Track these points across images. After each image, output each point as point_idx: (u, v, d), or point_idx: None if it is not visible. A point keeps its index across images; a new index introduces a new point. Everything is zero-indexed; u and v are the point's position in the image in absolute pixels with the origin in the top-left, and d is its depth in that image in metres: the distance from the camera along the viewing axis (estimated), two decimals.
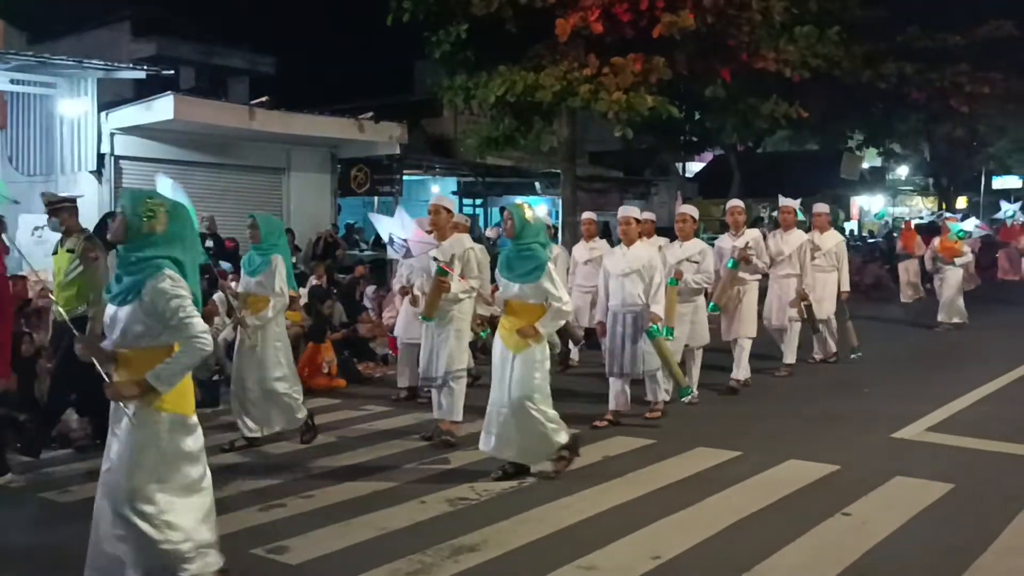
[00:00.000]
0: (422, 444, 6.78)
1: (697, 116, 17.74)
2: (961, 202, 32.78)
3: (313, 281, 11.52)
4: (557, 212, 18.64)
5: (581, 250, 10.17)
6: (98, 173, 12.52)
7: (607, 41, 12.98)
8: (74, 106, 12.49)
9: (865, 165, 29.00)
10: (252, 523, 4.97)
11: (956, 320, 13.34)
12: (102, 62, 12.49)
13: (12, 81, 12.24)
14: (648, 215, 9.26)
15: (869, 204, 31.41)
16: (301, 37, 26.66)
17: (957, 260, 13.53)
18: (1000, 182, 33.10)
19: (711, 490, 5.55)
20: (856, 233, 26.18)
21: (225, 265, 11.22)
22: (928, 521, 5.04)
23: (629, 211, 7.55)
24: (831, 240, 10.33)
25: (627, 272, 7.20)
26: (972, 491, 5.54)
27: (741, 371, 8.76)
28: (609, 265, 7.43)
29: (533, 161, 19.57)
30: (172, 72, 13.49)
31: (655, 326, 7.07)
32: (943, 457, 6.40)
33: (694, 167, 28.05)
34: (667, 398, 7.67)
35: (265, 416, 6.71)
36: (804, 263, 9.46)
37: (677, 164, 25.54)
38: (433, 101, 18.36)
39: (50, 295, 6.56)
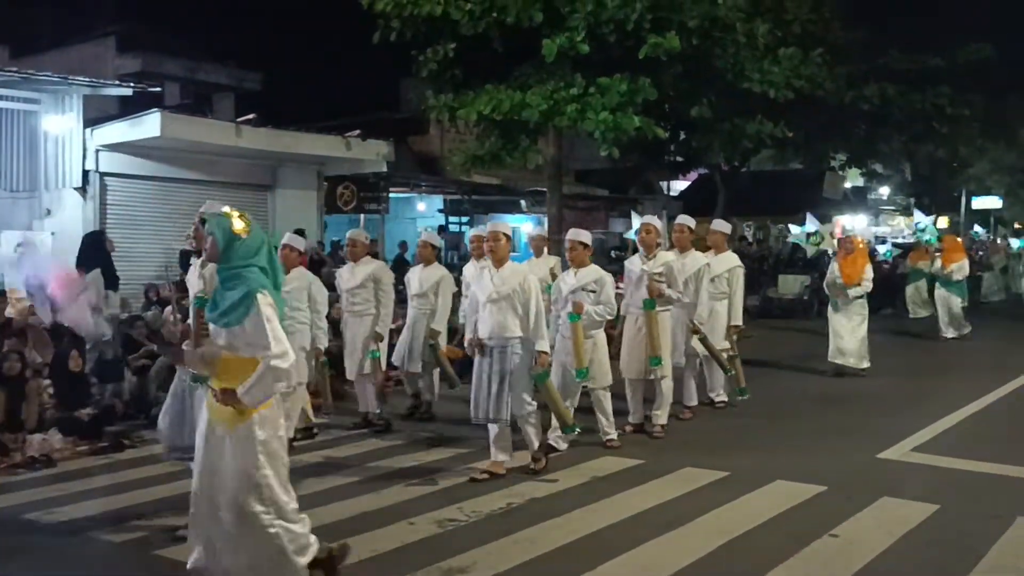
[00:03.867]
0: (409, 464, 6.76)
1: (683, 136, 17.86)
2: (942, 222, 33.11)
3: None
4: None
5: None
6: (83, 190, 12.45)
7: (594, 61, 13.08)
8: (59, 122, 12.43)
9: (848, 185, 29.27)
10: None
11: (960, 332, 13.62)
12: (88, 79, 12.46)
13: None
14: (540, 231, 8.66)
15: (852, 223, 31.69)
16: (287, 54, 26.75)
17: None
18: (979, 202, 33.48)
19: (700, 510, 5.56)
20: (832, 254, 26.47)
21: None
22: (915, 541, 5.07)
23: (499, 226, 6.61)
24: (725, 263, 8.98)
25: (495, 298, 6.26)
26: (958, 511, 5.57)
27: (662, 415, 7.67)
28: (476, 289, 6.50)
29: (519, 179, 19.64)
30: (159, 89, 13.45)
31: (544, 371, 6.27)
32: (928, 477, 6.45)
33: (679, 186, 28.22)
34: (614, 435, 7.21)
35: None
36: (699, 290, 8.21)
37: (662, 183, 25.69)
38: (419, 119, 18.47)
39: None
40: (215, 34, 23.98)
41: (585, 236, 7.20)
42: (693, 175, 26.55)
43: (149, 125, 12.14)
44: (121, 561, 4.82)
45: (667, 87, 13.57)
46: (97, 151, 12.57)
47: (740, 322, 8.92)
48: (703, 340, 8.31)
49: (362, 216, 17.89)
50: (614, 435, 7.21)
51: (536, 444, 6.45)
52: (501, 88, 13.42)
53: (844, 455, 7.05)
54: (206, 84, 22.51)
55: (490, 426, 6.35)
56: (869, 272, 10.82)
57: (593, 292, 6.91)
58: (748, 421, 8.41)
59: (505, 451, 6.39)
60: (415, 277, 8.56)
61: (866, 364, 10.82)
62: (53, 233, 11.72)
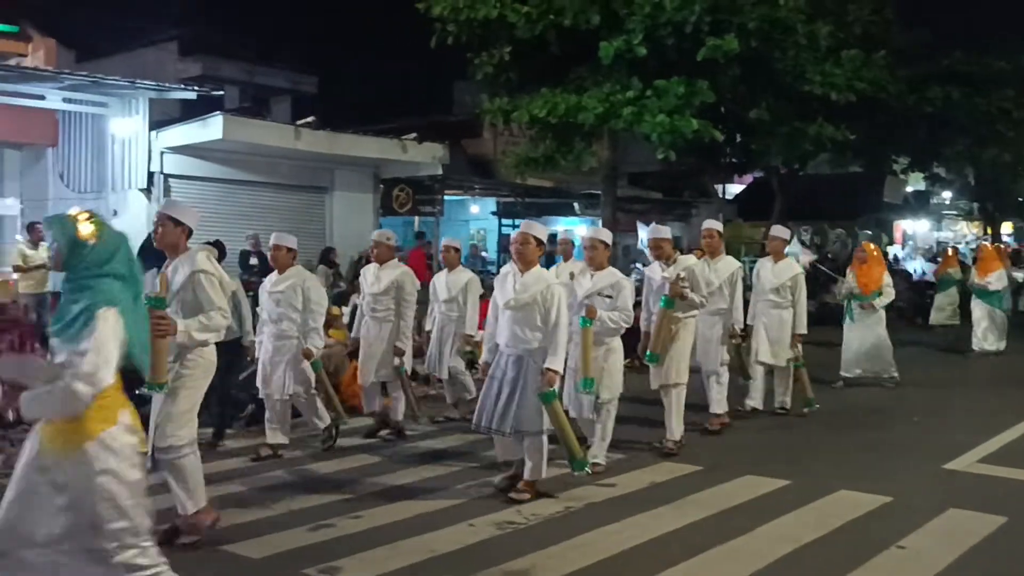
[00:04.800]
0: (468, 465, 6.77)
1: (739, 138, 17.67)
2: (1006, 227, 32.22)
3: (356, 300, 11.59)
4: None
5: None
6: (147, 191, 12.75)
7: (650, 63, 13.00)
8: (126, 125, 12.75)
9: (909, 189, 28.66)
10: (303, 543, 5.00)
11: (998, 346, 13.18)
12: (154, 82, 12.76)
13: (65, 100, 12.55)
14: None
15: (913, 228, 31.04)
16: (342, 57, 27.05)
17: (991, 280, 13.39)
18: None
19: (762, 519, 5.47)
20: (899, 258, 25.86)
21: None
22: (983, 554, 4.95)
23: (532, 227, 6.05)
24: (787, 271, 8.79)
25: (513, 305, 5.83)
26: None
27: (675, 428, 7.21)
28: (498, 293, 6.07)
29: (573, 182, 19.59)
30: (222, 92, 13.72)
31: (551, 390, 5.67)
32: (996, 489, 6.29)
33: (734, 189, 27.91)
34: (602, 459, 6.56)
35: None
36: (734, 295, 8.05)
37: (717, 186, 25.45)
38: (473, 121, 18.53)
39: None
40: (273, 38, 24.31)
41: (606, 235, 6.84)
42: (749, 178, 26.25)
43: (211, 128, 12.39)
44: (185, 555, 4.89)
45: (725, 89, 13.44)
46: (161, 153, 12.86)
47: (805, 330, 8.75)
48: (737, 348, 8.21)
49: (416, 218, 18.02)
50: (602, 460, 6.54)
51: (532, 471, 5.82)
52: (557, 91, 13.42)
53: (909, 465, 6.91)
54: (264, 87, 22.91)
55: (495, 439, 5.99)
56: (887, 279, 10.50)
57: (609, 297, 6.49)
58: (807, 430, 8.29)
59: (514, 458, 6.00)
60: (441, 282, 8.50)
61: (895, 373, 10.46)
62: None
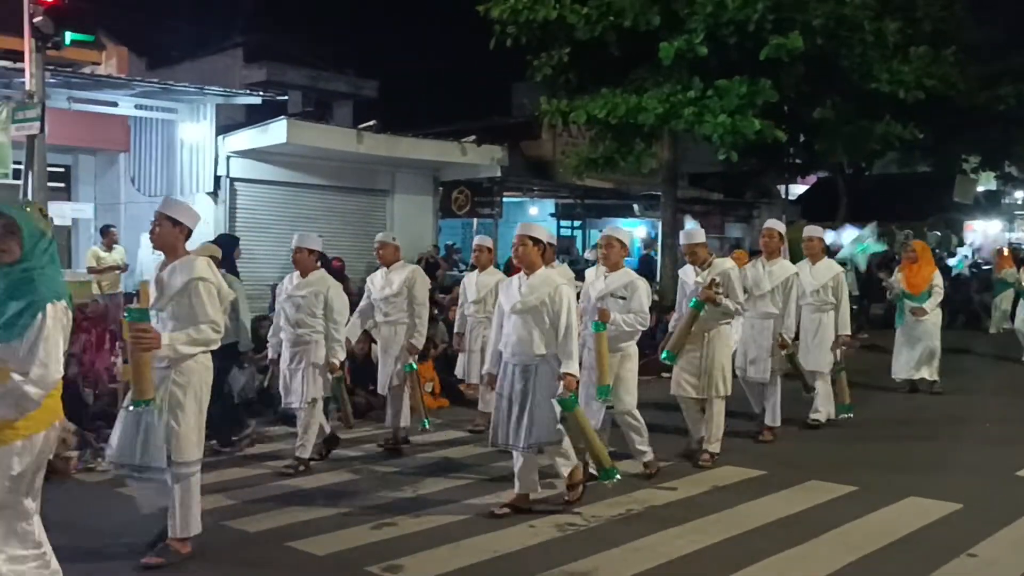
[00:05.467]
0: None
1: (803, 138, 17.40)
2: None
3: None
4: (657, 234, 18.50)
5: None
6: (214, 194, 13.04)
7: (711, 63, 12.89)
8: (194, 130, 13.06)
9: (980, 188, 27.87)
10: (367, 541, 5.07)
11: None
12: (221, 88, 13.05)
13: (137, 106, 12.91)
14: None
15: (985, 228, 30.15)
16: (402, 60, 27.33)
17: None
18: None
19: (827, 526, 5.38)
20: (969, 259, 25.17)
21: None
22: None
23: (531, 228, 5.69)
24: (827, 272, 8.41)
25: (520, 309, 5.48)
26: None
27: (713, 438, 6.88)
28: (503, 298, 5.72)
29: (632, 183, 19.50)
30: (286, 97, 13.98)
31: (571, 395, 5.36)
32: None
33: (797, 189, 27.45)
34: (650, 455, 6.38)
35: None
36: (788, 302, 7.62)
37: (780, 186, 25.08)
38: (531, 123, 18.55)
39: None
40: (335, 44, 24.65)
41: (623, 234, 6.47)
42: (812, 179, 25.81)
43: (276, 132, 12.62)
44: (253, 550, 5.00)
45: (788, 88, 13.25)
46: (228, 157, 13.14)
47: (848, 331, 8.41)
48: (791, 357, 7.75)
49: (475, 220, 18.12)
50: (650, 456, 6.39)
51: (567, 473, 5.64)
52: (616, 92, 13.39)
53: (979, 472, 6.73)
54: (326, 92, 23.23)
55: (514, 454, 5.62)
56: (938, 279, 10.09)
57: (623, 299, 6.17)
58: (871, 436, 8.10)
59: (529, 484, 5.60)
60: (471, 283, 8.21)
61: (936, 377, 10.05)
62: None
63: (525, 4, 13.24)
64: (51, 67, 10.07)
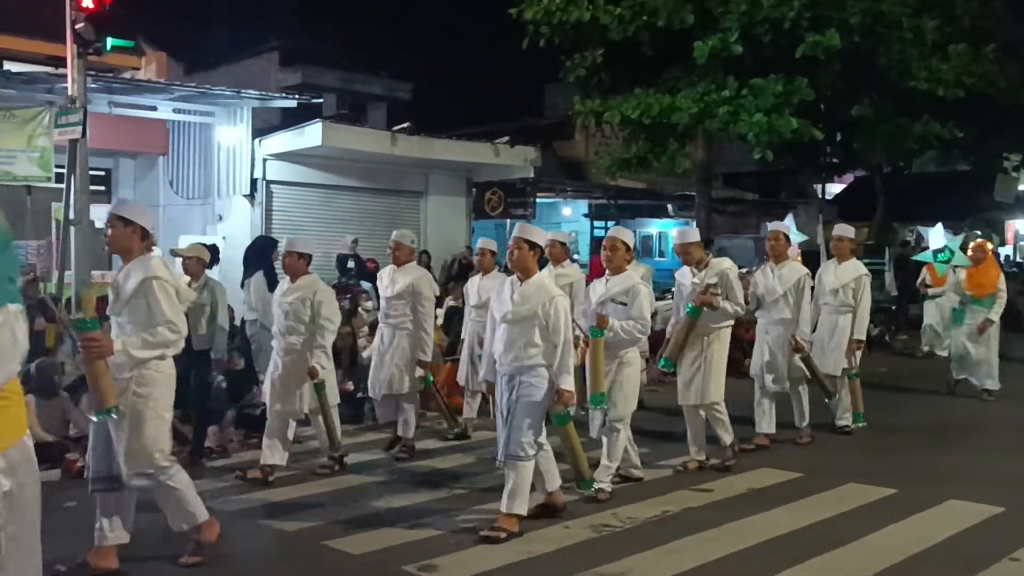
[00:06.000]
0: (563, 467, 6.77)
1: (839, 137, 17.21)
2: None
3: (450, 302, 11.75)
4: None
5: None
6: (251, 197, 13.20)
7: (746, 62, 12.80)
8: (231, 134, 13.24)
9: (1021, 187, 27.37)
10: (402, 540, 5.09)
11: None
12: (258, 92, 13.21)
13: (175, 110, 13.11)
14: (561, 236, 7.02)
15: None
16: (435, 62, 27.47)
17: None
18: None
19: (866, 529, 5.31)
20: (1012, 259, 24.72)
21: (366, 285, 11.64)
22: None
23: (526, 231, 5.37)
24: (850, 272, 8.04)
25: (511, 319, 5.21)
26: None
27: (725, 441, 6.72)
28: (494, 304, 5.47)
29: (666, 183, 19.43)
30: (321, 100, 14.10)
31: (567, 410, 5.19)
32: None
33: (834, 189, 27.15)
34: (607, 485, 5.92)
35: None
36: (801, 305, 7.36)
37: (816, 186, 24.82)
38: (564, 124, 18.59)
39: None
40: (369, 47, 24.88)
41: (627, 235, 6.12)
42: (849, 177, 25.52)
43: (311, 135, 12.75)
44: (291, 548, 5.06)
45: (825, 87, 13.12)
46: (264, 160, 13.30)
47: (864, 336, 8.00)
48: (806, 360, 7.45)
49: (508, 221, 18.15)
50: (607, 485, 5.90)
51: (518, 504, 5.12)
52: (650, 92, 13.35)
53: (1021, 476, 6.59)
54: (360, 94, 23.43)
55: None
56: (1003, 282, 9.76)
57: (623, 304, 5.85)
58: (910, 439, 8.00)
59: (520, 501, 5.16)
60: (474, 287, 7.89)
61: (993, 384, 9.71)
62: (224, 237, 12.47)
63: (558, 5, 13.27)
64: (92, 72, 10.25)
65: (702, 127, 13.29)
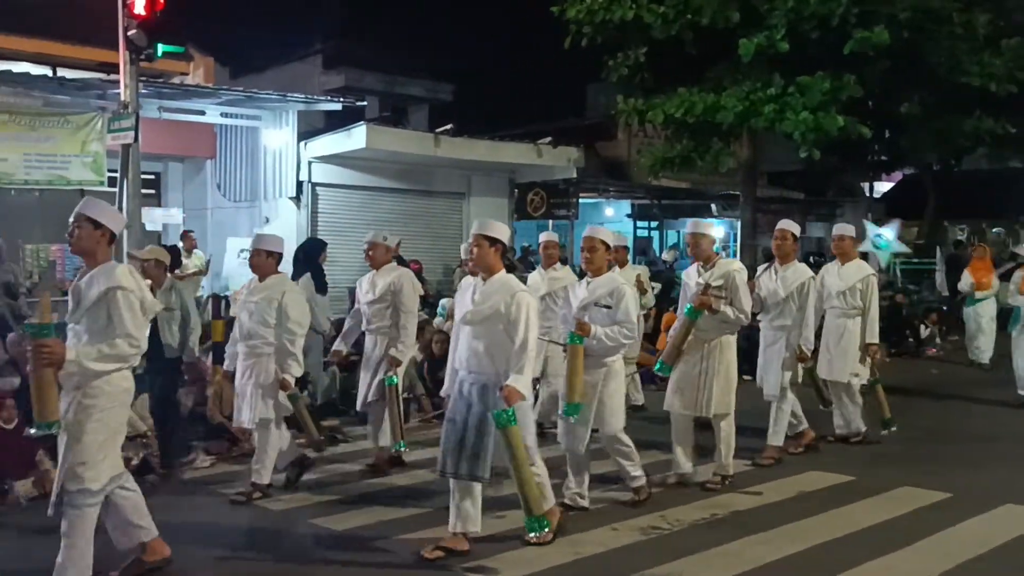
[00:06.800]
0: (609, 469, 6.74)
1: (887, 134, 16.92)
2: None
3: None
4: (735, 235, 18.23)
5: (536, 280, 7.60)
6: (297, 199, 13.34)
7: (791, 59, 12.64)
8: (277, 137, 13.39)
9: None
10: None
11: None
12: (303, 95, 13.35)
13: (222, 114, 13.30)
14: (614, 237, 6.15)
15: None
16: (476, 64, 27.50)
17: None
18: None
19: (920, 534, 5.22)
20: None
21: None
22: None
23: (486, 227, 5.06)
24: (856, 273, 7.62)
25: (470, 319, 4.84)
26: None
27: (725, 459, 6.21)
28: (456, 309, 5.11)
29: (709, 183, 19.26)
30: (365, 103, 14.21)
31: (508, 409, 4.56)
32: None
33: (883, 187, 26.72)
34: (641, 481, 5.74)
35: None
36: (805, 309, 6.87)
37: (863, 184, 24.46)
38: (606, 124, 18.49)
39: None
40: (410, 49, 24.96)
41: (607, 235, 5.72)
42: (898, 175, 25.10)
43: (355, 137, 12.85)
44: (342, 548, 5.10)
45: (873, 83, 12.90)
46: (309, 163, 13.43)
47: (876, 340, 7.51)
48: (810, 371, 7.09)
49: (550, 222, 18.13)
50: (641, 482, 5.75)
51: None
52: (693, 90, 13.24)
53: None
54: (402, 97, 23.56)
55: (453, 483, 4.85)
56: None
57: (607, 308, 5.45)
58: (965, 443, 7.88)
59: (468, 519, 4.84)
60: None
61: None
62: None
63: (601, 4, 13.20)
64: (143, 78, 10.43)
65: (747, 125, 13.12)
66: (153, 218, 13.23)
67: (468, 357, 4.82)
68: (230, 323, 8.72)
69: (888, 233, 13.00)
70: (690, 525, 5.42)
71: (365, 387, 6.68)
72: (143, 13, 8.79)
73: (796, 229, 7.10)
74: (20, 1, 13.26)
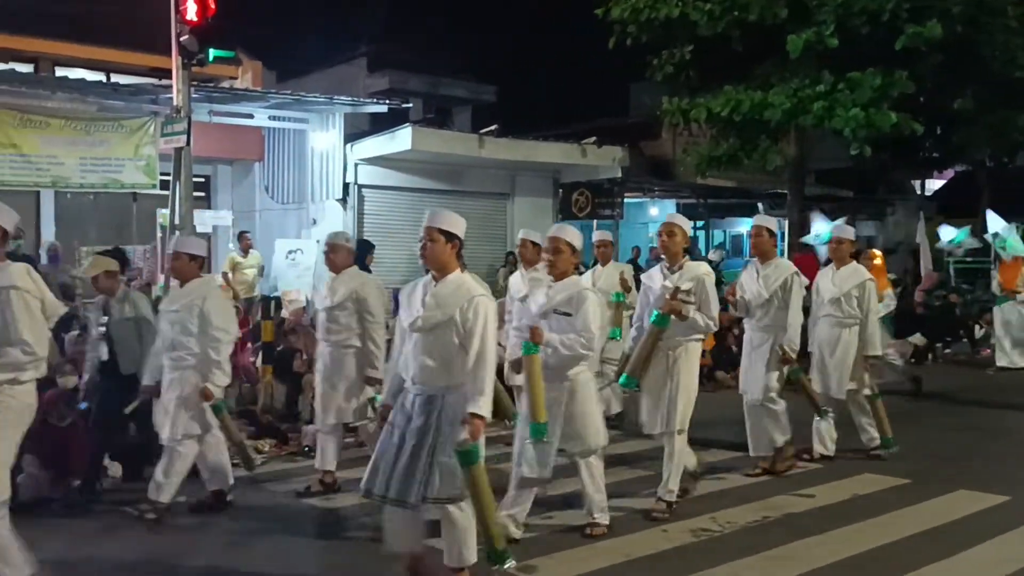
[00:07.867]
0: (655, 472, 6.68)
1: (939, 130, 16.59)
2: None
3: None
4: (783, 233, 17.98)
5: (517, 281, 7.18)
6: (343, 201, 13.48)
7: (841, 55, 12.44)
8: (324, 139, 13.55)
9: None
10: None
11: None
12: (350, 98, 13.50)
13: (270, 117, 13.49)
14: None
15: None
16: (519, 64, 27.55)
17: None
18: None
19: (980, 537, 5.12)
20: None
21: None
22: None
23: (438, 218, 4.28)
24: (852, 278, 7.05)
25: (420, 326, 4.21)
26: None
27: (671, 483, 5.55)
28: (402, 310, 4.43)
29: (755, 181, 19.04)
30: (410, 105, 14.32)
31: (474, 445, 4.04)
32: None
33: (934, 184, 26.22)
34: (602, 518, 5.21)
35: None
36: (790, 307, 6.37)
37: (914, 181, 24.05)
38: (651, 123, 18.37)
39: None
40: (454, 51, 25.08)
41: (570, 234, 5.10)
42: (950, 172, 24.61)
43: (401, 139, 12.96)
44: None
45: (925, 79, 12.66)
46: (355, 165, 13.57)
47: (878, 351, 7.01)
48: (794, 374, 6.52)
49: (595, 222, 18.08)
50: (602, 518, 5.19)
51: (454, 555, 4.21)
52: (740, 88, 13.11)
53: None
54: (446, 98, 23.69)
55: (387, 510, 4.28)
56: None
57: (567, 315, 4.91)
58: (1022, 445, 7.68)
59: (413, 543, 4.36)
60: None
61: None
62: (318, 241, 12.76)
63: (647, 3, 13.14)
64: (195, 83, 10.61)
65: (795, 123, 12.96)
66: (203, 220, 13.46)
67: (416, 368, 4.21)
68: (280, 324, 8.93)
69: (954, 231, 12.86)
70: (741, 528, 5.36)
71: (325, 408, 6.04)
72: (195, 19, 8.93)
73: (772, 224, 6.66)
74: (75, 10, 13.59)
